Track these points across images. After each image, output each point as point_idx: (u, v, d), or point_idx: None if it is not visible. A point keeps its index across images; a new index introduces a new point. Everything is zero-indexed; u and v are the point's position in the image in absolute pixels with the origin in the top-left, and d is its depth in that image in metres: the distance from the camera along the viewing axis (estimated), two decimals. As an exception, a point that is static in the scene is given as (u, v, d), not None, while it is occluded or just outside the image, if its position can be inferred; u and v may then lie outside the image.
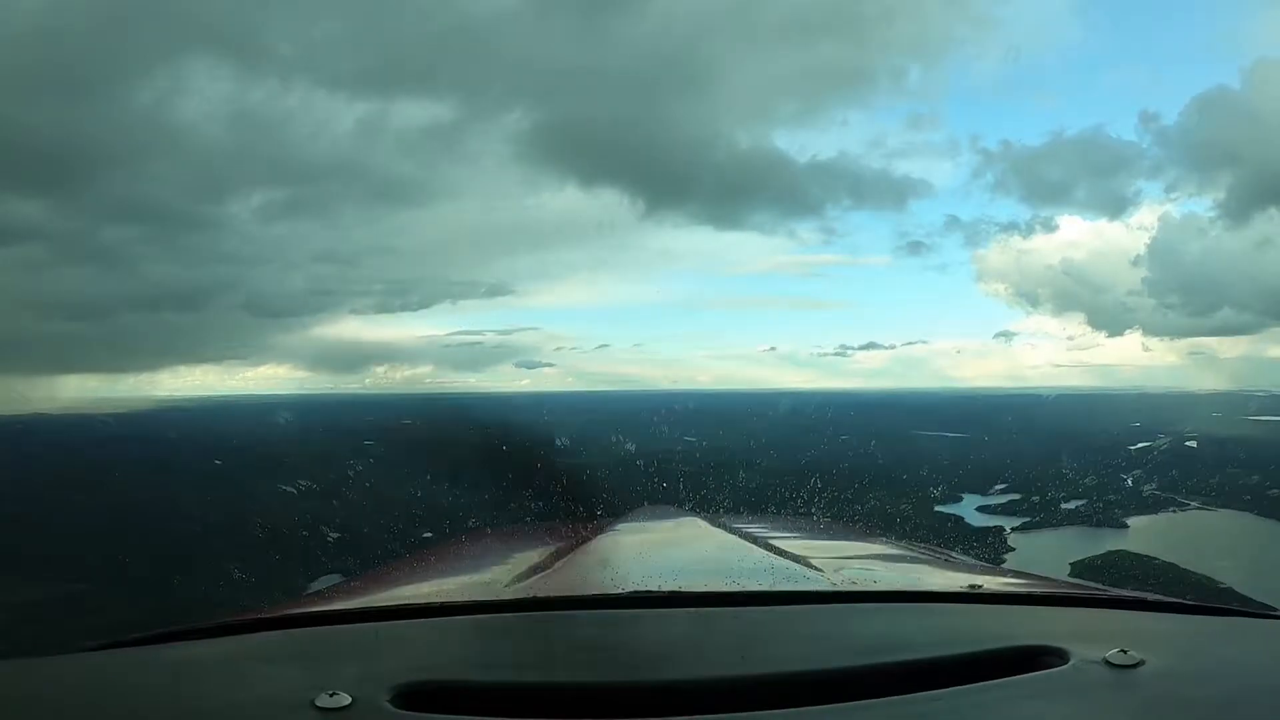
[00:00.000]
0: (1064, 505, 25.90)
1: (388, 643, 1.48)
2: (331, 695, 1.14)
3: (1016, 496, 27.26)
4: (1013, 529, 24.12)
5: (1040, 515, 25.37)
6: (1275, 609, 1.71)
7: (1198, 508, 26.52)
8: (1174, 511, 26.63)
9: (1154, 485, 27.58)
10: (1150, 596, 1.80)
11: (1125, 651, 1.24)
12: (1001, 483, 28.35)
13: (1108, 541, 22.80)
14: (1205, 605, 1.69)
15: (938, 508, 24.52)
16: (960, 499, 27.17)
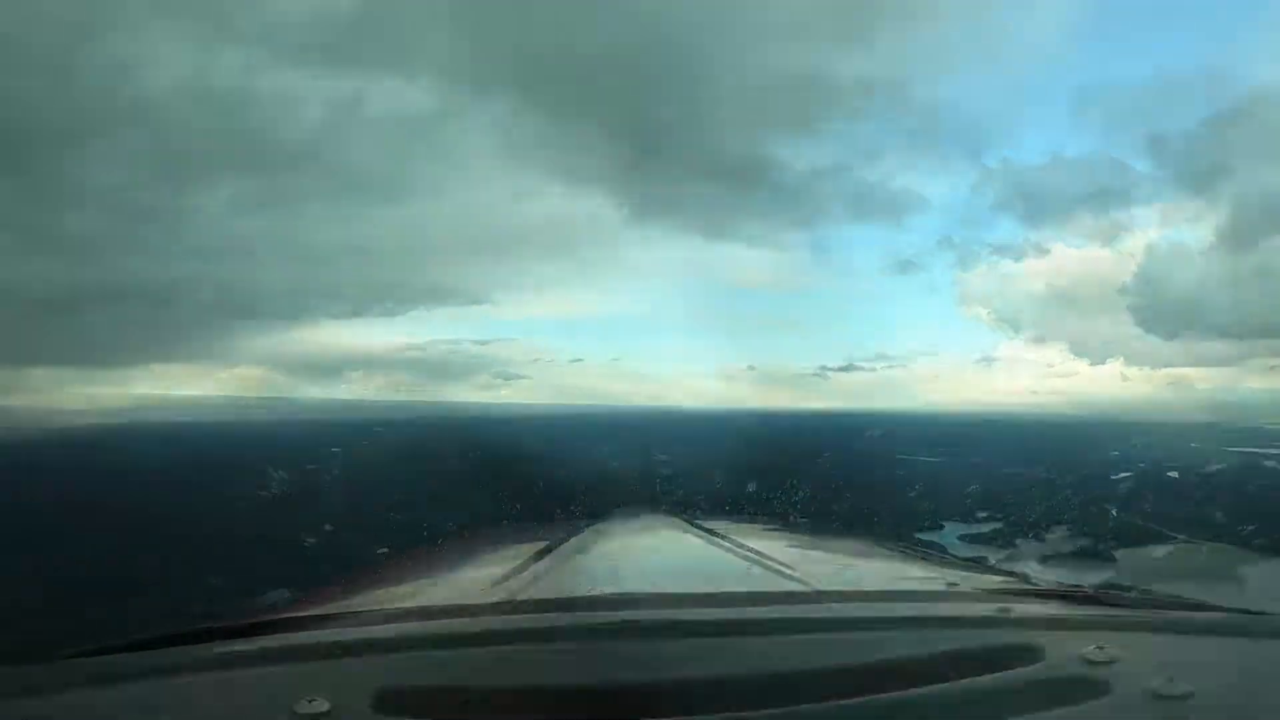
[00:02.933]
0: (1048, 535, 25.24)
1: (367, 648, 1.44)
2: (311, 701, 1.12)
3: (999, 525, 26.46)
4: (997, 560, 23.30)
5: (1024, 545, 24.62)
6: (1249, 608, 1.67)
7: (1184, 541, 25.85)
8: (1161, 545, 25.95)
9: (1138, 517, 27.00)
10: (1125, 594, 1.79)
11: (1101, 648, 1.25)
12: (983, 510, 27.70)
13: (1096, 574, 22.07)
14: (1178, 601, 1.69)
15: (918, 535, 23.70)
16: (942, 527, 26.38)
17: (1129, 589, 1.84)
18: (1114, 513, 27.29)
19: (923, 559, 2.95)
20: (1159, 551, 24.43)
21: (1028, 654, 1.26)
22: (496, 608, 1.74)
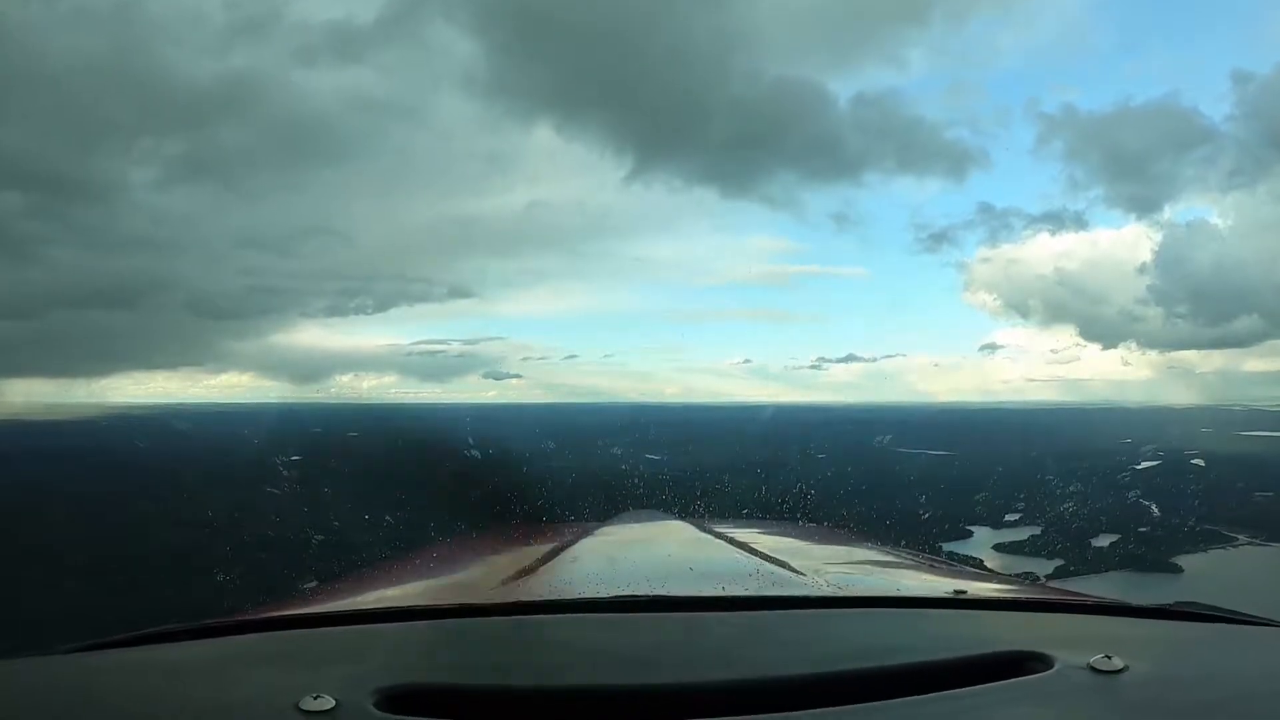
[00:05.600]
0: (1094, 542, 22.20)
1: (372, 646, 1.46)
2: (316, 698, 1.14)
3: (1036, 530, 23.33)
4: (1047, 576, 20.29)
5: (1073, 556, 21.46)
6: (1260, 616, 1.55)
7: (1247, 542, 23.08)
8: (1224, 548, 23.08)
9: (1185, 514, 24.15)
10: (1134, 602, 1.79)
11: (1109, 657, 1.23)
12: (1012, 512, 24.68)
13: (1167, 589, 19.07)
14: (1189, 611, 1.67)
15: (945, 545, 20.65)
16: (969, 534, 23.41)
17: (1218, 609, 1.61)
18: (1155, 510, 24.46)
19: (931, 564, 2.89)
20: (1226, 558, 21.71)
21: (1035, 662, 1.25)
22: (503, 608, 1.75)
